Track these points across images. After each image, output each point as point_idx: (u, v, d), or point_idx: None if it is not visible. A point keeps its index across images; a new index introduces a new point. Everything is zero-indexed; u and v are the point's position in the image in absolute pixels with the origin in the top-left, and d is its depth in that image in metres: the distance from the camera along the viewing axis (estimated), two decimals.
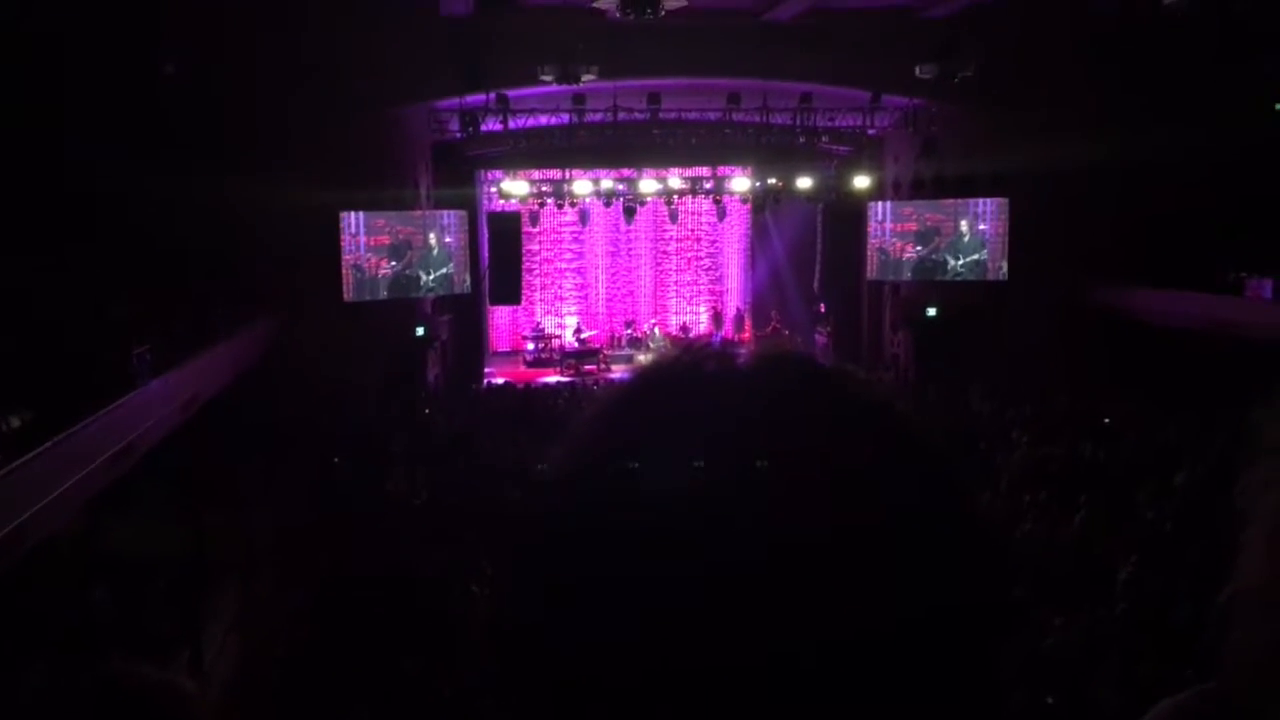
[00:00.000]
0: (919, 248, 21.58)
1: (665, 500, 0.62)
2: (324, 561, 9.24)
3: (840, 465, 0.63)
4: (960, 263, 21.26)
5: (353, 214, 19.08)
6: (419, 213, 20.32)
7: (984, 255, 21.03)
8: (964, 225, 21.19)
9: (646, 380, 0.72)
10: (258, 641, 8.89)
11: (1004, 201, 20.62)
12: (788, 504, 0.61)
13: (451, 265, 20.57)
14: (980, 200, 20.94)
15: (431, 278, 20.25)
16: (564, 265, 26.71)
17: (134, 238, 14.91)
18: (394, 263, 19.70)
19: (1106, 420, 15.82)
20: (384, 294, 19.67)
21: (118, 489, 10.74)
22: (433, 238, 20.24)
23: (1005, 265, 20.80)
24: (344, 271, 18.94)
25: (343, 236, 18.93)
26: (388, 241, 19.64)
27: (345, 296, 18.97)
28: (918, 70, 16.76)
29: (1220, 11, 13.76)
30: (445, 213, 20.65)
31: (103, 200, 14.49)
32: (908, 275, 21.91)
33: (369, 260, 19.44)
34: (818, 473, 0.62)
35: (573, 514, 0.66)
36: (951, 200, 21.22)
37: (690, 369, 0.71)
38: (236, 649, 9.19)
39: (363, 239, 19.36)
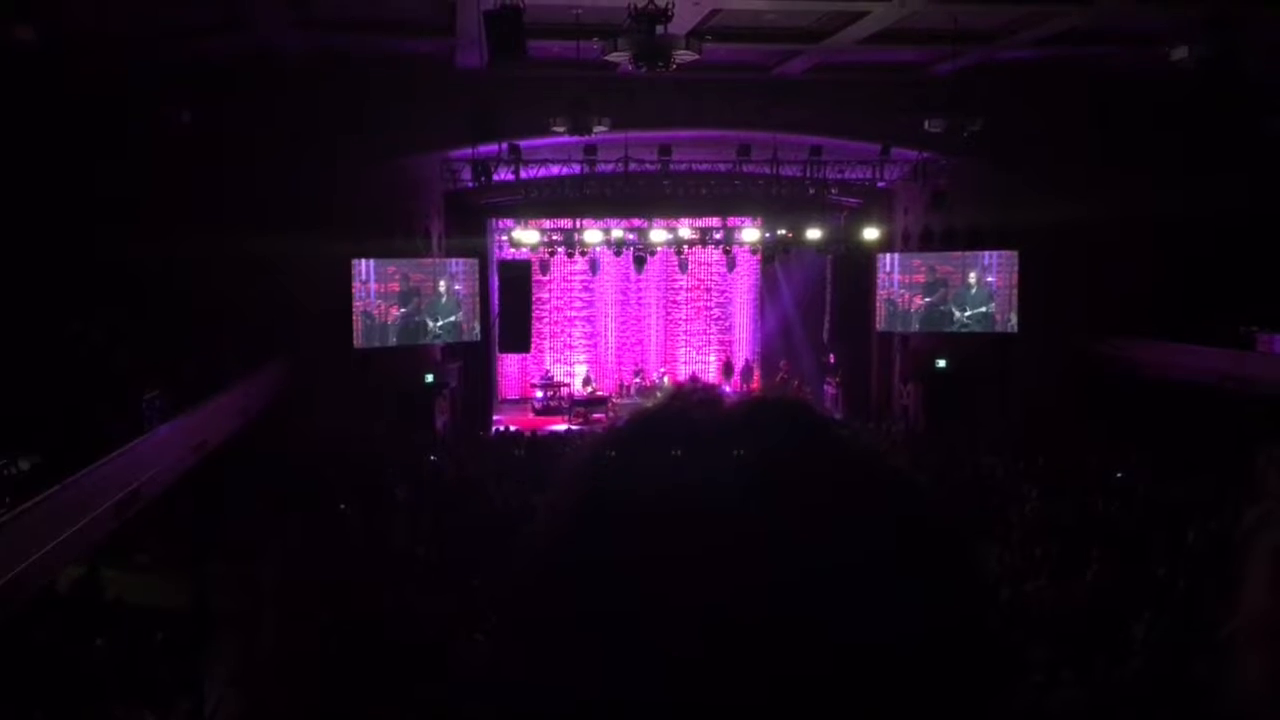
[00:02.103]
0: (927, 299, 21.63)
1: (651, 542, 0.63)
2: (327, 612, 9.18)
3: (824, 510, 0.65)
4: (966, 314, 21.29)
5: (364, 261, 19.24)
6: (429, 260, 20.47)
7: (991, 307, 21.06)
8: (972, 277, 21.25)
9: (634, 427, 0.73)
10: (259, 693, 8.81)
11: (1012, 254, 20.69)
12: (771, 546, 0.63)
13: (460, 313, 20.67)
14: (988, 252, 21.01)
15: (439, 325, 20.34)
16: (574, 314, 26.80)
17: (146, 284, 15.04)
18: (403, 309, 19.82)
19: (1118, 475, 15.71)
20: (393, 340, 19.76)
21: (123, 536, 10.71)
22: (442, 285, 20.37)
23: (1014, 317, 20.81)
24: (354, 318, 19.06)
25: (354, 283, 19.08)
26: (398, 288, 19.78)
27: (355, 343, 19.06)
28: (926, 124, 16.89)
29: (1230, 69, 13.87)
30: (454, 261, 20.80)
31: (115, 250, 14.62)
32: (916, 326, 21.93)
33: (378, 307, 19.57)
34: (801, 517, 0.64)
35: (563, 556, 0.68)
36: (959, 252, 21.31)
37: (678, 415, 0.72)
38: (238, 701, 9.09)
39: (373, 285, 19.50)
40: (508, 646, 0.69)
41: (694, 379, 26.53)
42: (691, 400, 0.73)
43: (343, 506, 13.48)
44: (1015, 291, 20.76)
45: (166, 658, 9.75)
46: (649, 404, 0.76)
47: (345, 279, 18.87)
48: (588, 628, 0.63)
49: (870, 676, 0.61)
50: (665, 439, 0.70)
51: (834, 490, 0.66)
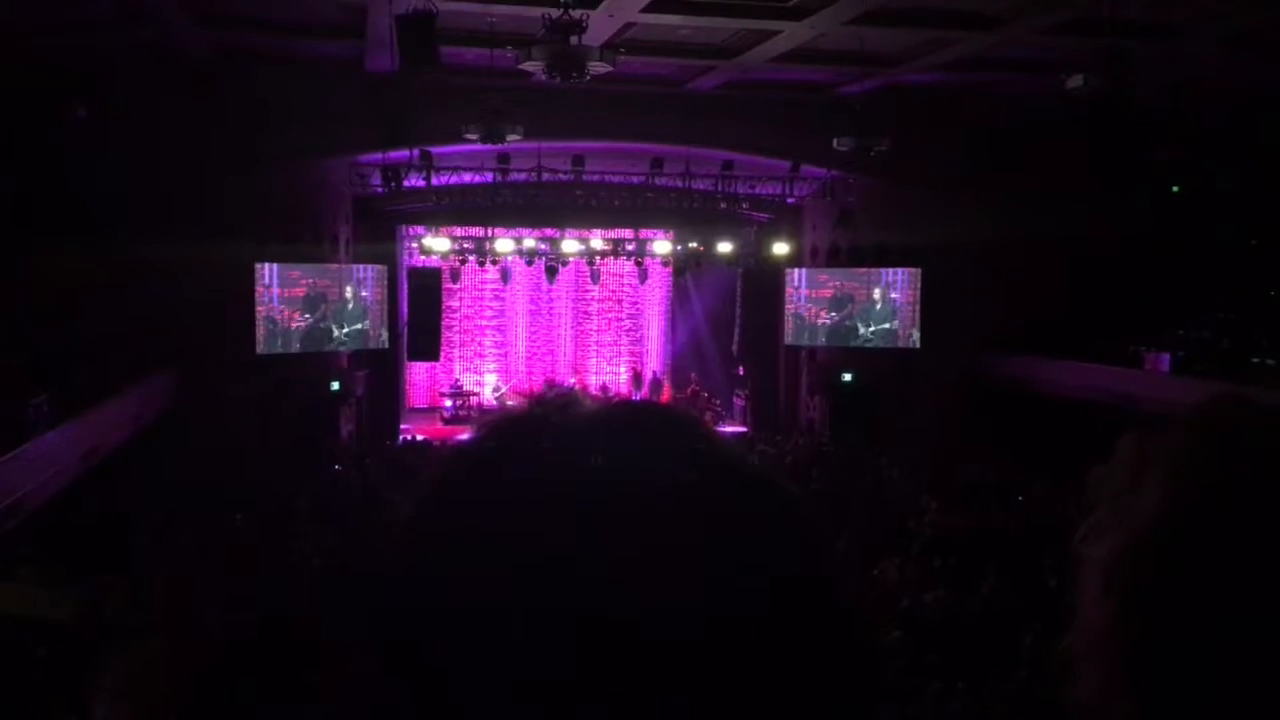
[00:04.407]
0: (833, 314, 22.04)
1: (506, 548, 0.62)
2: (220, 625, 8.92)
3: (677, 519, 0.63)
4: (870, 329, 21.75)
5: (267, 265, 18.81)
6: (335, 266, 20.11)
7: (895, 324, 21.55)
8: (876, 293, 21.72)
9: (490, 434, 0.72)
10: (148, 709, 8.52)
11: (915, 271, 21.19)
12: (621, 557, 0.61)
13: (367, 320, 20.36)
14: (892, 270, 21.50)
15: (344, 332, 20.00)
16: (484, 322, 26.59)
17: (34, 286, 14.51)
18: (308, 315, 19.43)
19: (1013, 489, 16.16)
20: (296, 346, 19.35)
21: (4, 547, 10.29)
22: (349, 292, 20.04)
23: (916, 334, 21.32)
24: (256, 324, 18.60)
25: (256, 288, 18.63)
26: (302, 294, 19.38)
27: (257, 349, 18.60)
28: (835, 143, 17.23)
29: (1122, 99, 14.46)
30: (361, 267, 20.49)
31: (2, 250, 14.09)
32: (822, 340, 22.32)
33: (282, 312, 19.14)
34: (653, 526, 0.63)
35: (411, 563, 0.67)
36: (865, 269, 21.77)
37: (537, 420, 0.71)
38: (126, 717, 8.78)
39: (276, 290, 19.07)
40: (360, 651, 0.68)
41: (604, 390, 26.57)
42: (551, 405, 0.72)
43: (238, 517, 13.13)
44: (918, 308, 21.28)
45: (50, 673, 9.36)
46: (509, 410, 0.75)
47: (247, 284, 18.41)
48: (430, 637, 0.62)
49: (715, 703, 0.60)
50: (524, 442, 0.69)
51: (691, 499, 0.65)
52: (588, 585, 0.61)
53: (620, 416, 0.72)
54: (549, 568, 0.61)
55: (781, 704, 0.62)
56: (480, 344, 26.58)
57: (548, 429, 0.69)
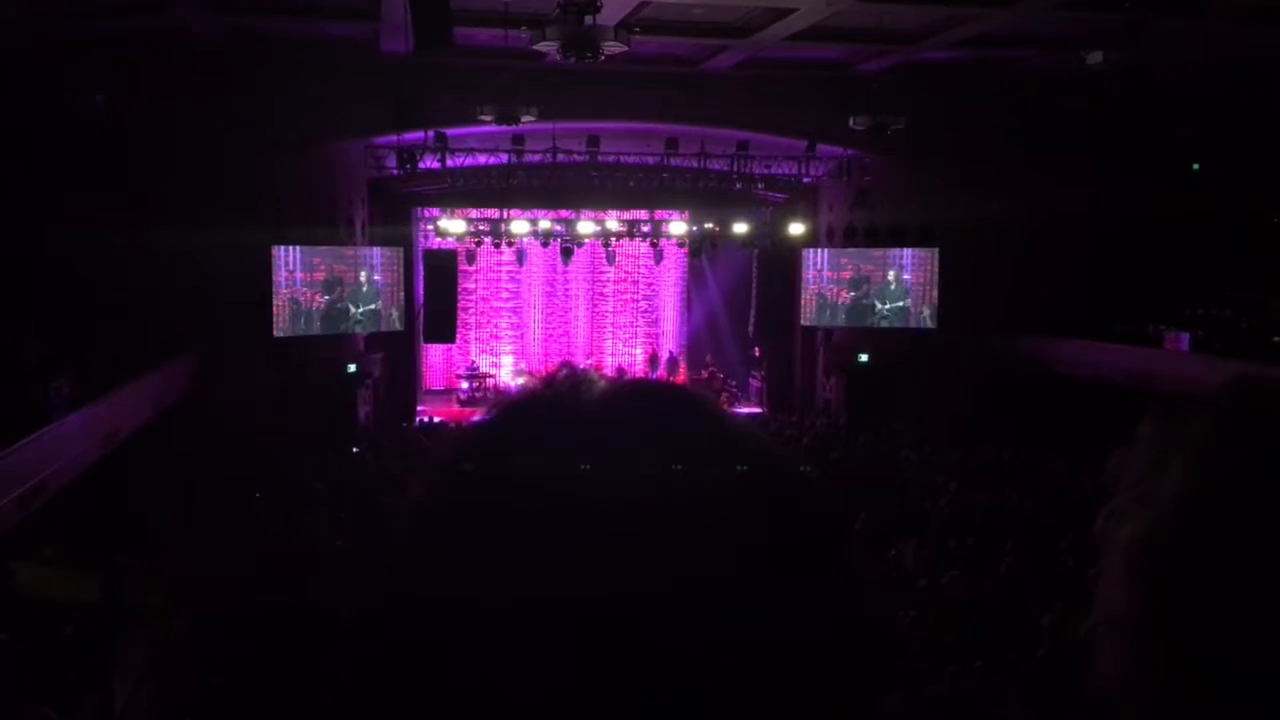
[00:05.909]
0: (852, 293, 22.00)
1: (517, 528, 0.62)
2: (241, 606, 9.01)
3: (695, 504, 0.63)
4: (886, 308, 21.70)
5: (288, 248, 18.88)
6: (351, 250, 20.18)
7: (908, 303, 21.47)
8: (891, 274, 21.65)
9: (503, 413, 0.72)
10: (172, 689, 8.62)
11: (927, 251, 21.09)
12: (634, 540, 0.61)
13: (379, 302, 20.43)
14: (906, 250, 21.40)
15: (360, 311, 20.10)
16: (500, 304, 26.63)
17: (55, 272, 14.60)
18: (327, 296, 19.54)
19: (1031, 469, 16.10)
20: (317, 325, 19.46)
21: (29, 528, 10.40)
22: (363, 275, 20.12)
23: (928, 313, 21.26)
24: (279, 305, 18.70)
25: (278, 272, 18.72)
26: (323, 276, 19.48)
27: (280, 329, 18.70)
28: (851, 122, 17.12)
29: (1142, 77, 14.32)
30: (374, 250, 20.56)
31: (23, 237, 14.18)
32: (842, 320, 22.24)
33: (304, 294, 19.24)
34: (669, 512, 0.62)
35: (422, 544, 0.67)
36: (880, 250, 21.68)
37: (549, 402, 0.71)
38: (149, 697, 8.88)
39: (299, 274, 19.17)
40: (369, 630, 0.69)
41: (620, 372, 26.59)
42: (562, 386, 0.72)
43: (258, 496, 13.23)
44: (930, 288, 21.21)
45: (74, 653, 9.47)
46: (522, 390, 0.74)
47: (265, 267, 18.47)
48: (440, 617, 0.62)
49: (730, 685, 0.60)
50: (534, 426, 0.69)
51: (709, 482, 0.64)
52: (589, 579, 0.60)
53: (630, 400, 0.71)
54: (550, 559, 0.61)
55: (793, 688, 0.62)
56: (496, 326, 26.63)
57: (556, 413, 0.69)
